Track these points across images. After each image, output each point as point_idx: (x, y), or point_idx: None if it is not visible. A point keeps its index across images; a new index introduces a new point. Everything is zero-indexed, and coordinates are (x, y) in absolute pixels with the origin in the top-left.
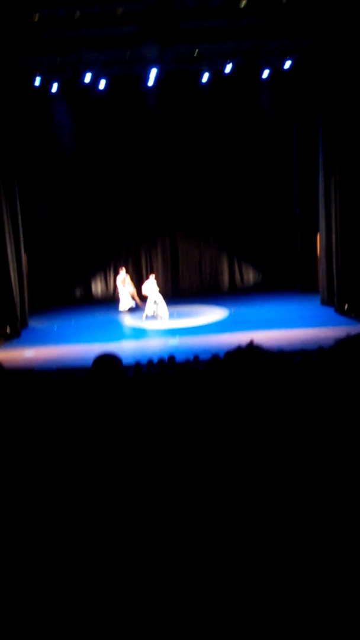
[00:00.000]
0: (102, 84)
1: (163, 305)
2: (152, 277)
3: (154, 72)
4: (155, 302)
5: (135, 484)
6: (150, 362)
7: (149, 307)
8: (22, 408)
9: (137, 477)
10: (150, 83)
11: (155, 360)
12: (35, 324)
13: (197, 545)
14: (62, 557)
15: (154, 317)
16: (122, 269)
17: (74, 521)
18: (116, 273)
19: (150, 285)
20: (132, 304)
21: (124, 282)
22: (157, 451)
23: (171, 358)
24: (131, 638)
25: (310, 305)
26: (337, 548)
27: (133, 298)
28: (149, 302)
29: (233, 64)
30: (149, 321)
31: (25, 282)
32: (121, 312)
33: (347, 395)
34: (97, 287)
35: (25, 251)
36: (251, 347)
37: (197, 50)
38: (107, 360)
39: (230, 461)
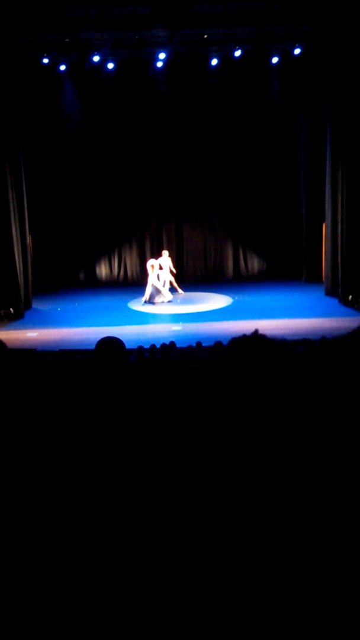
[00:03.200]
0: (110, 66)
1: (167, 288)
2: (165, 254)
3: (162, 55)
4: (153, 285)
5: (135, 467)
6: (152, 347)
7: (149, 292)
8: (24, 388)
9: (137, 461)
10: (159, 65)
11: (158, 345)
12: (38, 305)
13: (197, 534)
14: (61, 541)
15: (152, 302)
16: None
17: (73, 501)
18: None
19: (164, 264)
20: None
21: (153, 268)
22: (157, 435)
23: (173, 344)
24: (131, 637)
25: (314, 296)
26: (339, 543)
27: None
28: (148, 286)
29: (242, 49)
30: (150, 306)
31: (29, 264)
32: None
33: (351, 387)
34: (102, 271)
35: (30, 233)
36: (256, 335)
37: (206, 34)
38: (111, 344)
39: (231, 448)
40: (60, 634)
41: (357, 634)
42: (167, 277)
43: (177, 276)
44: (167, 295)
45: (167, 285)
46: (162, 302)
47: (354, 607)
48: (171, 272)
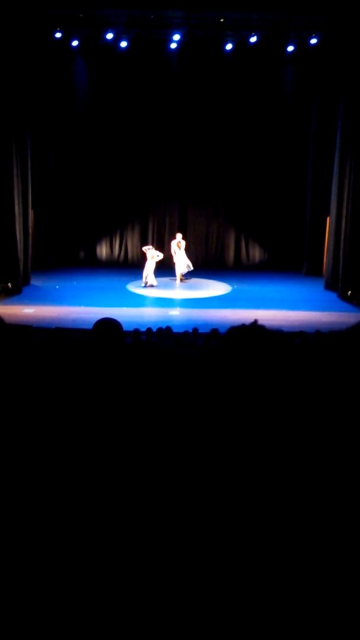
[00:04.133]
0: (123, 44)
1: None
2: (179, 236)
3: (177, 36)
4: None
5: (129, 450)
6: (149, 330)
7: (150, 274)
8: (20, 363)
9: (130, 443)
10: (173, 46)
11: (154, 329)
12: (37, 282)
13: (192, 524)
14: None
15: (151, 285)
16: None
17: (62, 483)
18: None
19: (178, 245)
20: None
21: (179, 246)
22: (151, 417)
23: (169, 328)
24: (131, 637)
25: (314, 289)
26: (338, 535)
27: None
28: (146, 269)
29: (258, 36)
30: (150, 289)
31: (30, 240)
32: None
33: (345, 381)
34: (102, 251)
35: (32, 208)
36: (255, 325)
37: (223, 17)
38: (108, 325)
39: (225, 432)
40: (60, 633)
41: (357, 634)
42: (183, 259)
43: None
44: (153, 281)
45: (184, 267)
46: (152, 285)
47: (354, 607)
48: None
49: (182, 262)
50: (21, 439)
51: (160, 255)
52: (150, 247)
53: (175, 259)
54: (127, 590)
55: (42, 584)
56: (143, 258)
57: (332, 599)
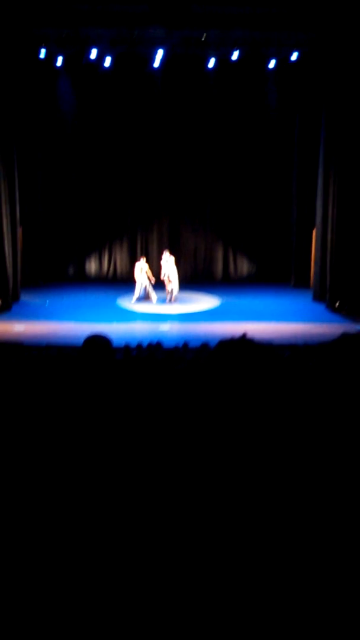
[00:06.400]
0: (107, 62)
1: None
2: (166, 254)
3: (160, 53)
4: (144, 285)
5: (120, 463)
6: (139, 346)
7: (138, 291)
8: (10, 381)
9: (121, 456)
10: (156, 64)
11: (145, 344)
12: (26, 298)
13: (181, 529)
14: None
15: (144, 299)
16: (142, 257)
17: (57, 493)
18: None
19: (166, 264)
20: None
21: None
22: (141, 432)
23: (159, 343)
24: (131, 637)
25: (302, 301)
26: (333, 542)
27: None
28: (137, 285)
29: (240, 52)
30: (139, 304)
31: (19, 256)
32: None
33: (337, 391)
34: (91, 266)
35: (20, 225)
36: (244, 338)
37: (205, 34)
38: (98, 341)
39: (217, 446)
40: (60, 632)
41: (357, 634)
42: (173, 276)
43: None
44: (154, 296)
45: (175, 284)
46: (150, 302)
47: (354, 607)
48: (149, 277)
49: (175, 280)
50: (14, 455)
51: (145, 266)
52: (143, 262)
53: (169, 278)
54: (127, 590)
55: (43, 584)
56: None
57: (332, 599)
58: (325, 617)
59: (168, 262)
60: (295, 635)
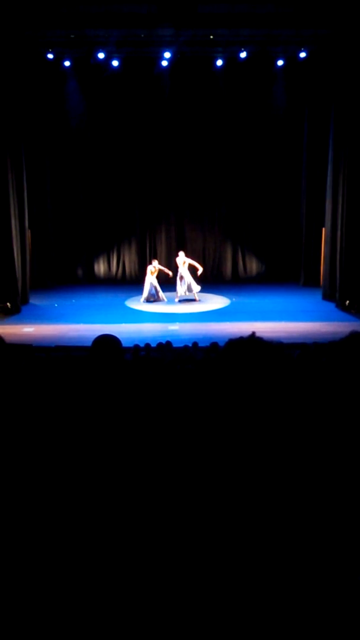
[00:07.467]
0: (115, 63)
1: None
2: (181, 254)
3: (168, 54)
4: (153, 285)
5: (129, 465)
6: (148, 346)
7: (147, 291)
8: (20, 383)
9: (130, 458)
10: (164, 64)
11: (154, 344)
12: (35, 300)
13: (193, 534)
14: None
15: (155, 300)
16: (154, 260)
17: (67, 496)
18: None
19: (182, 265)
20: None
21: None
22: (151, 433)
23: (169, 343)
24: (131, 637)
25: (312, 300)
26: (336, 544)
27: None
28: (146, 285)
29: (248, 51)
30: (148, 304)
31: (27, 259)
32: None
33: (347, 390)
34: (100, 268)
35: (29, 227)
36: (253, 338)
37: (211, 35)
38: (107, 341)
39: (226, 447)
40: (60, 633)
41: (357, 634)
42: (187, 275)
43: (174, 275)
44: (163, 296)
45: (188, 284)
46: (160, 302)
47: (354, 607)
48: (165, 273)
49: (186, 281)
50: (23, 457)
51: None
52: (156, 263)
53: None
54: (128, 590)
55: (43, 584)
56: (144, 273)
57: (332, 599)
58: (325, 617)
59: (185, 262)
60: (295, 635)
